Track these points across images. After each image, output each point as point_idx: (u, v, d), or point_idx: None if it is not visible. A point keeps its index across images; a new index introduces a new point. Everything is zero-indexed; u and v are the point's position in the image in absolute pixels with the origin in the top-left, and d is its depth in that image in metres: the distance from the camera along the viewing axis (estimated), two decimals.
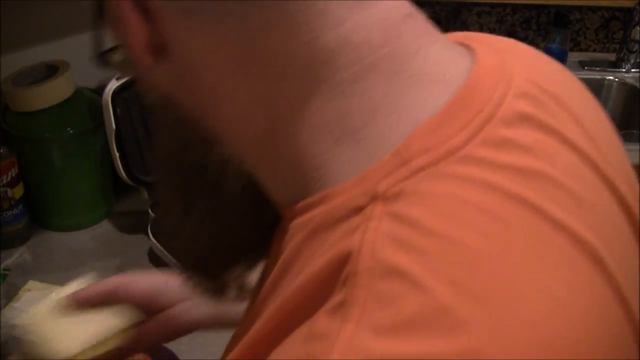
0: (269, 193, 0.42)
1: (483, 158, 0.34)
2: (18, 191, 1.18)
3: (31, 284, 1.08)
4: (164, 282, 0.75)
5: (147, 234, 1.16)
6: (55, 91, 1.16)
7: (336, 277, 0.34)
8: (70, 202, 1.24)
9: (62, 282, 1.09)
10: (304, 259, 0.37)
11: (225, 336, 0.86)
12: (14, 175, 1.16)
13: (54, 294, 0.83)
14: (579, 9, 1.88)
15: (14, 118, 1.18)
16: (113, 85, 1.12)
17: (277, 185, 0.41)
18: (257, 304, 0.42)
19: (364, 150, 0.36)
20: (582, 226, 0.35)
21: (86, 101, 1.22)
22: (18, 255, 1.15)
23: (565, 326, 0.33)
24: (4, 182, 1.14)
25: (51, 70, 1.19)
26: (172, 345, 0.99)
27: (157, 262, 1.16)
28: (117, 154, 1.15)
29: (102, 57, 0.48)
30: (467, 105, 0.36)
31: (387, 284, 0.32)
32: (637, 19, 1.75)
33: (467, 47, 0.40)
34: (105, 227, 1.27)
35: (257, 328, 0.39)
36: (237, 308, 0.54)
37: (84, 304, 0.74)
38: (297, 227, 0.38)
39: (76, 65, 1.22)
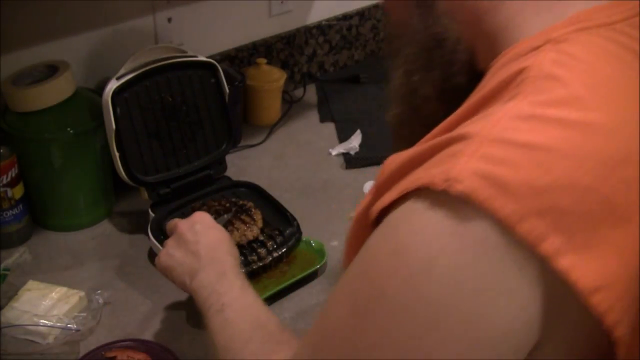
0: (479, 61, 0.65)
1: (627, 32, 0.58)
2: (18, 191, 1.18)
3: (31, 284, 1.08)
4: None
5: (147, 234, 1.16)
6: (55, 91, 1.16)
7: (511, 84, 0.54)
8: (70, 202, 1.24)
9: (62, 282, 1.09)
10: (489, 81, 0.58)
11: None
12: (14, 175, 1.16)
13: None
14: None
15: (14, 118, 1.18)
16: (113, 85, 1.12)
17: (485, 51, 0.63)
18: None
19: (550, 19, 0.59)
20: None
21: (86, 101, 1.22)
22: (18, 255, 1.16)
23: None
24: (4, 182, 1.14)
25: (51, 70, 1.19)
26: (172, 345, 1.00)
27: None
28: (117, 154, 1.15)
29: None
30: (623, 3, 0.59)
31: (545, 83, 0.53)
32: None
33: None
34: (105, 227, 1.27)
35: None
36: None
37: None
38: (490, 70, 0.60)
39: (76, 65, 1.22)
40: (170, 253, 0.93)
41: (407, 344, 0.53)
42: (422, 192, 0.53)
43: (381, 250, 0.56)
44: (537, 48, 0.56)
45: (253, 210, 1.18)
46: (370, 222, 0.60)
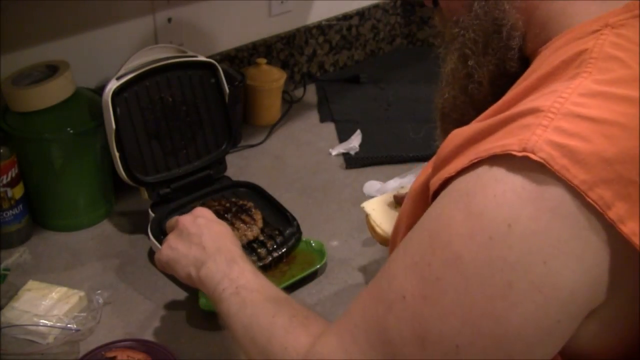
0: (526, 47, 0.69)
1: None
2: (18, 191, 1.18)
3: (31, 284, 1.08)
4: None
5: (147, 234, 1.16)
6: (55, 91, 1.16)
7: (572, 64, 0.59)
8: (70, 202, 1.24)
9: (62, 282, 1.09)
10: (544, 63, 0.62)
11: (224, 336, 0.86)
12: (14, 175, 1.16)
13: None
14: None
15: (14, 118, 1.18)
16: (113, 85, 1.12)
17: (535, 37, 0.67)
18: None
19: (604, 7, 0.63)
20: None
21: (86, 101, 1.22)
22: (18, 255, 1.16)
23: None
24: (4, 182, 1.14)
25: (51, 70, 1.19)
26: (172, 345, 0.99)
27: None
28: (117, 154, 1.15)
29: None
30: None
31: (608, 63, 0.58)
32: None
33: None
34: (105, 227, 1.27)
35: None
36: None
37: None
38: (541, 55, 0.65)
39: (76, 65, 1.22)
40: (173, 246, 0.92)
41: (480, 309, 0.56)
42: (495, 161, 0.56)
43: (454, 216, 0.58)
44: (595, 32, 0.61)
45: (253, 210, 1.18)
46: (432, 193, 0.63)
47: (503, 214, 0.55)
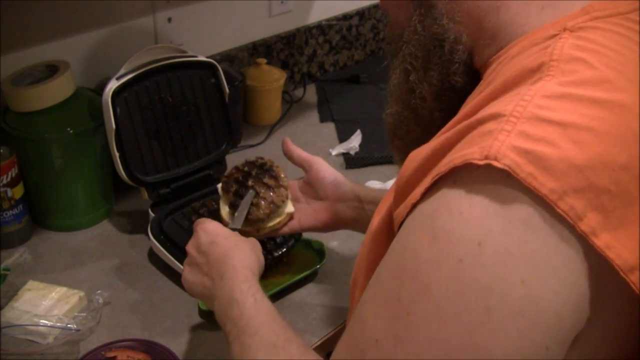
0: (475, 60, 0.66)
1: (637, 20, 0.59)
2: (18, 191, 1.18)
3: (31, 284, 1.08)
4: (341, 180, 1.02)
5: (147, 234, 1.16)
6: (55, 91, 1.16)
7: (532, 71, 0.55)
8: (70, 202, 1.24)
9: (62, 282, 1.09)
10: (500, 71, 0.59)
11: (224, 336, 0.86)
12: (14, 175, 1.16)
13: None
14: None
15: (14, 118, 1.18)
16: (113, 85, 1.12)
17: (483, 49, 0.64)
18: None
19: (555, 14, 0.60)
20: None
21: (86, 101, 1.22)
22: (18, 255, 1.15)
23: None
24: (4, 182, 1.14)
25: (51, 70, 1.19)
26: (172, 345, 0.99)
27: (157, 262, 1.16)
28: (117, 154, 1.15)
29: None
30: None
31: (571, 65, 0.54)
32: None
33: None
34: (105, 227, 1.27)
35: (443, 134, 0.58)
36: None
37: (289, 151, 1.06)
38: (492, 67, 0.62)
39: (76, 65, 1.22)
40: (188, 280, 0.88)
41: (457, 341, 0.50)
42: (457, 177, 0.52)
43: (420, 242, 0.53)
44: (553, 36, 0.58)
45: (274, 168, 1.07)
46: (397, 225, 0.59)
47: (471, 232, 0.50)
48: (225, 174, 1.09)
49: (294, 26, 1.68)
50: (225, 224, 0.96)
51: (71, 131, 1.18)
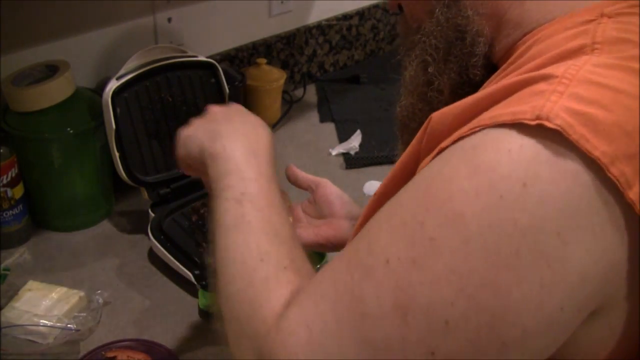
0: (495, 53, 0.65)
1: None
2: (18, 191, 1.18)
3: (31, 284, 1.08)
4: (347, 199, 0.96)
5: (147, 234, 1.16)
6: (55, 91, 1.16)
7: (573, 52, 0.53)
8: (70, 202, 1.24)
9: (62, 282, 1.09)
10: (529, 56, 0.57)
11: (224, 336, 0.86)
12: (14, 175, 1.16)
13: None
14: None
15: (14, 118, 1.18)
16: (113, 85, 1.12)
17: (505, 40, 0.63)
18: None
19: (587, 2, 0.58)
20: None
21: (86, 101, 1.22)
22: (18, 255, 1.15)
23: None
24: (4, 182, 1.14)
25: (51, 70, 1.19)
26: (172, 345, 1.00)
27: (157, 262, 1.16)
28: (117, 154, 1.15)
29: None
30: None
31: (617, 46, 0.53)
32: None
33: None
34: (105, 227, 1.27)
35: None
36: None
37: (293, 175, 1.00)
38: (519, 50, 0.60)
39: (76, 65, 1.22)
40: (194, 124, 0.80)
41: (478, 277, 0.48)
42: (503, 128, 0.50)
43: (457, 170, 0.50)
44: (591, 21, 0.56)
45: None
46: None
47: (518, 172, 0.48)
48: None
49: (294, 26, 1.68)
50: None
51: (71, 131, 1.18)
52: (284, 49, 1.66)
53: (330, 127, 1.59)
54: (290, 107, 1.64)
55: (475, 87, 0.63)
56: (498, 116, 0.50)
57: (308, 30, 1.70)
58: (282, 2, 1.62)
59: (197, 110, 1.24)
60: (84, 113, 1.20)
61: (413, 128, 0.68)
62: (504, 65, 0.62)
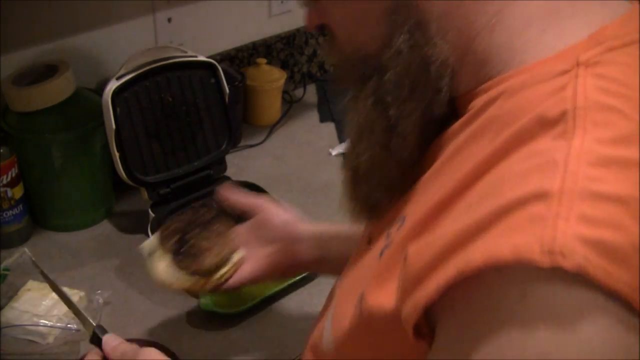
0: (458, 85, 0.55)
1: None
2: (18, 191, 1.18)
3: (31, 284, 1.08)
4: (293, 219, 0.91)
5: (147, 234, 1.16)
6: (55, 91, 1.16)
7: (553, 121, 0.45)
8: (70, 202, 1.24)
9: (62, 282, 1.09)
10: (498, 117, 0.49)
11: (224, 336, 0.86)
12: (14, 175, 1.16)
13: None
14: None
15: (14, 118, 1.18)
16: (113, 85, 1.12)
17: (469, 75, 0.54)
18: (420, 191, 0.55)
19: (562, 39, 0.50)
20: None
21: (86, 101, 1.22)
22: (18, 255, 1.15)
23: None
24: (4, 182, 1.14)
25: (51, 70, 1.19)
26: (172, 345, 1.00)
27: None
28: (117, 154, 1.15)
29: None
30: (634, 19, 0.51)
31: (602, 114, 0.44)
32: None
33: None
34: (105, 227, 1.27)
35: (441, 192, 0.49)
36: (340, 248, 0.71)
37: (227, 200, 0.93)
38: (482, 100, 0.52)
39: (76, 65, 1.22)
40: None
41: None
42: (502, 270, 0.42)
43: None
44: (566, 72, 0.48)
45: (215, 228, 0.94)
46: (413, 325, 0.48)
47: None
48: (205, 204, 0.99)
49: (294, 26, 1.68)
50: (160, 283, 0.89)
51: (71, 131, 1.18)
52: (284, 49, 1.66)
53: (330, 127, 1.59)
54: (290, 107, 1.64)
55: (440, 125, 0.56)
56: (495, 252, 0.42)
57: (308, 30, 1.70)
58: (282, 2, 1.62)
59: (197, 110, 1.25)
60: (84, 113, 1.20)
61: (374, 183, 0.61)
62: (467, 118, 0.53)
